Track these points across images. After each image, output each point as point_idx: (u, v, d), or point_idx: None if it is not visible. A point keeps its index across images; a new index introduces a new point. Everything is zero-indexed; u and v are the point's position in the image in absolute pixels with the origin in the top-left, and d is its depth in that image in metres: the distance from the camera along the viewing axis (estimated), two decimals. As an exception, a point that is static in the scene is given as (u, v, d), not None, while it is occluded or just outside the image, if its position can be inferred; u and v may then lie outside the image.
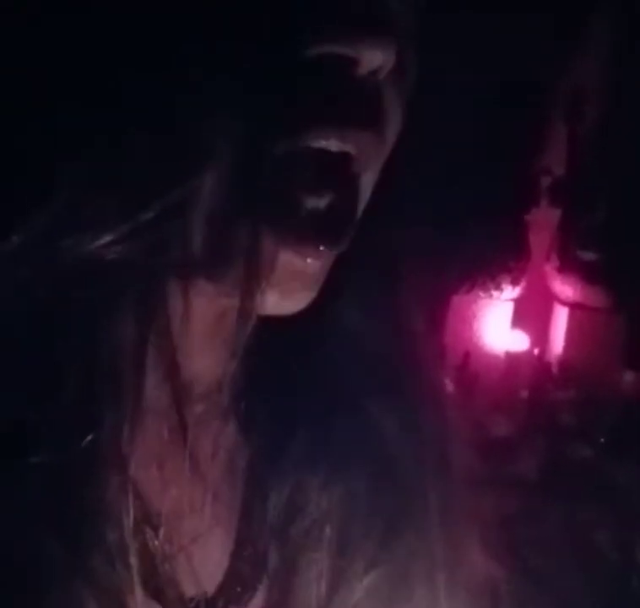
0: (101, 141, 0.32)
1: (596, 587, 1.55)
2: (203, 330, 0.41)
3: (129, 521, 0.36)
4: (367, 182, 0.39)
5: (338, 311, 0.46)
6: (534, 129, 2.21)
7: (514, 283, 2.29)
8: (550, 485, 1.89)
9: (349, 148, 0.36)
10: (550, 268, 2.35)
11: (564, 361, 2.30)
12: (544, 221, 2.31)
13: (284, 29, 0.33)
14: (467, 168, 1.87)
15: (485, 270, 2.22)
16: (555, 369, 2.31)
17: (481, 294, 2.26)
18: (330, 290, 0.44)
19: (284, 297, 0.38)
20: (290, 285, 0.38)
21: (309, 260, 0.37)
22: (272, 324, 0.43)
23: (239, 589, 0.44)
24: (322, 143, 0.35)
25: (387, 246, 0.47)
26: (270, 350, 0.45)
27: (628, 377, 2.21)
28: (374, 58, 0.35)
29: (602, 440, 2.03)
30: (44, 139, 0.32)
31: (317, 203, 0.36)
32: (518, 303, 2.33)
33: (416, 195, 0.48)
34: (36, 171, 0.32)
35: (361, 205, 0.40)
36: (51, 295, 0.34)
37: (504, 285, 2.27)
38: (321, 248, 0.37)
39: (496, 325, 2.30)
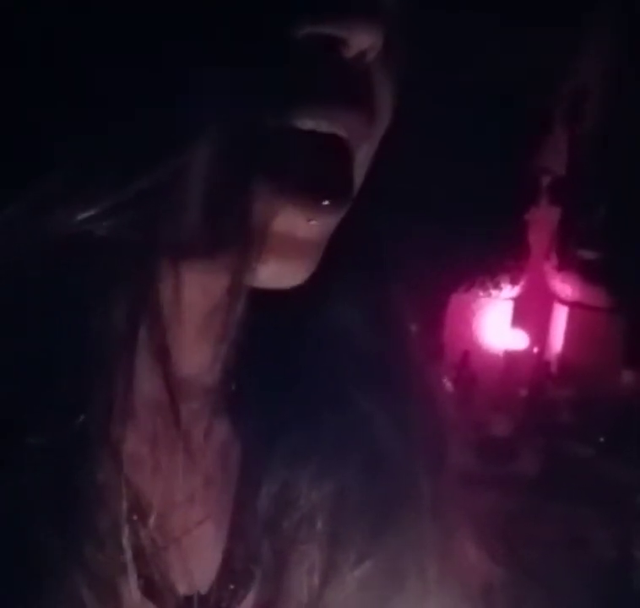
0: (90, 117, 0.32)
1: (593, 585, 1.55)
2: (195, 322, 0.41)
3: (121, 507, 0.36)
4: (360, 164, 0.39)
5: (332, 307, 0.46)
6: (534, 129, 2.21)
7: (514, 282, 2.29)
8: (549, 483, 1.89)
9: (337, 128, 0.36)
10: (549, 267, 2.35)
11: (563, 360, 2.30)
12: (543, 220, 2.32)
13: (274, 9, 0.34)
14: (467, 167, 1.87)
15: (484, 269, 2.22)
16: (554, 368, 2.31)
17: (481, 293, 2.26)
18: (324, 286, 0.44)
19: (282, 265, 0.37)
20: (289, 251, 0.37)
21: (312, 221, 0.37)
22: (264, 318, 0.43)
23: (232, 587, 0.44)
24: (310, 124, 0.35)
25: (383, 243, 0.47)
26: (263, 343, 0.45)
27: (627, 376, 2.22)
28: (362, 39, 0.35)
29: (601, 439, 2.04)
30: (33, 115, 0.32)
31: (316, 162, 0.36)
32: (518, 302, 2.33)
33: (416, 193, 0.48)
34: (26, 145, 0.32)
35: (358, 180, 0.39)
36: (40, 275, 0.34)
37: (503, 284, 2.28)
38: (324, 203, 0.36)
39: (495, 324, 2.30)
